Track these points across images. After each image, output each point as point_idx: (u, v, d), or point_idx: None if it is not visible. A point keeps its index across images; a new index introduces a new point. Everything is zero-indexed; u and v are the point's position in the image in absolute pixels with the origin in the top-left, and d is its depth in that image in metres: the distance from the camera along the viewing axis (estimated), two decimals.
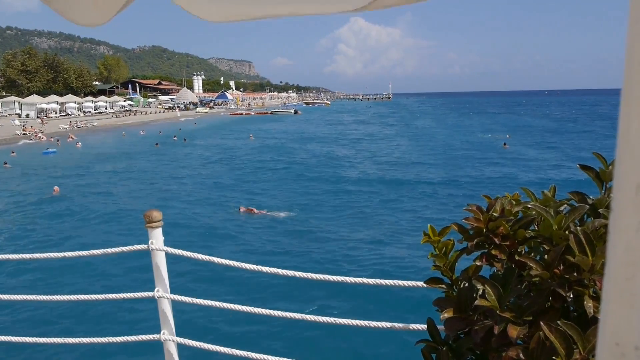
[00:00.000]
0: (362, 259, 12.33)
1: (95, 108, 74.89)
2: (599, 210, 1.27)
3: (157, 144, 39.09)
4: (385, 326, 2.25)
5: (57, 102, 67.42)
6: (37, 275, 11.19)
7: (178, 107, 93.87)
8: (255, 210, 17.19)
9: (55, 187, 19.65)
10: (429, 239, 1.50)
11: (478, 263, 1.35)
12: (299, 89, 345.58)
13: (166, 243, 2.53)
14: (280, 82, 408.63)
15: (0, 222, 16.32)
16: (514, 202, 1.41)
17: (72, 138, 42.61)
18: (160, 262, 2.51)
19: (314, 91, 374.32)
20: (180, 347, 2.61)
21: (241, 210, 17.40)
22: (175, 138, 43.79)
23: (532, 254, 1.29)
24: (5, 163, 27.79)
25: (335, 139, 46.27)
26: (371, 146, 39.35)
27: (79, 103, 72.65)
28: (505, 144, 37.47)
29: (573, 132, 49.68)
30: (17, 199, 19.88)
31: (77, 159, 31.83)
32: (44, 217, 16.97)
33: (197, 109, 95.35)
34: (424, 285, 1.55)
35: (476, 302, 1.22)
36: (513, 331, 1.11)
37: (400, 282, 2.23)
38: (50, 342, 2.96)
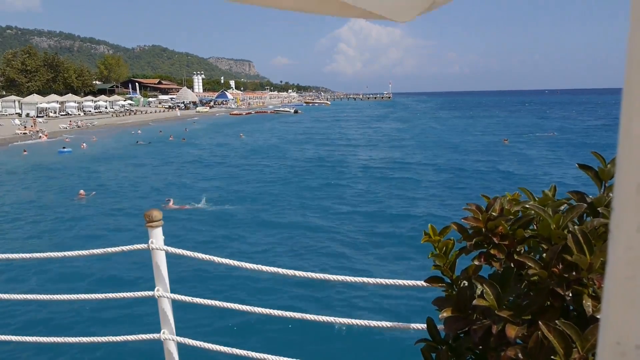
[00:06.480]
0: (361, 259, 12.33)
1: (96, 107, 74.83)
2: (598, 209, 1.27)
3: (145, 142, 39.78)
4: (385, 326, 2.25)
5: (57, 102, 67.42)
6: (37, 274, 11.18)
7: (178, 106, 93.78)
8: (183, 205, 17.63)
9: (81, 191, 19.72)
10: (429, 239, 1.50)
11: (476, 262, 1.35)
12: (299, 89, 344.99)
13: (166, 242, 2.53)
14: (280, 82, 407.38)
15: (13, 221, 16.33)
16: (513, 202, 1.41)
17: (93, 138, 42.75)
18: (160, 262, 2.51)
19: (314, 90, 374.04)
20: (180, 346, 2.61)
21: (170, 205, 17.74)
22: (171, 138, 43.68)
23: (532, 254, 1.29)
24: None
25: (333, 139, 46.24)
26: (370, 145, 39.35)
27: (79, 102, 72.60)
28: (505, 140, 37.53)
29: (574, 131, 49.66)
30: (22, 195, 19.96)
31: (86, 159, 32.11)
32: (48, 217, 16.99)
33: (197, 108, 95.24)
34: (424, 284, 1.55)
35: (474, 302, 1.22)
36: (511, 331, 1.11)
37: (400, 282, 2.23)
38: (50, 342, 2.95)
